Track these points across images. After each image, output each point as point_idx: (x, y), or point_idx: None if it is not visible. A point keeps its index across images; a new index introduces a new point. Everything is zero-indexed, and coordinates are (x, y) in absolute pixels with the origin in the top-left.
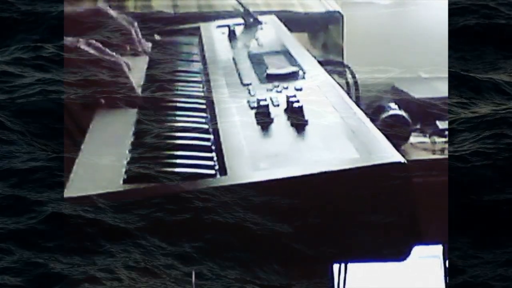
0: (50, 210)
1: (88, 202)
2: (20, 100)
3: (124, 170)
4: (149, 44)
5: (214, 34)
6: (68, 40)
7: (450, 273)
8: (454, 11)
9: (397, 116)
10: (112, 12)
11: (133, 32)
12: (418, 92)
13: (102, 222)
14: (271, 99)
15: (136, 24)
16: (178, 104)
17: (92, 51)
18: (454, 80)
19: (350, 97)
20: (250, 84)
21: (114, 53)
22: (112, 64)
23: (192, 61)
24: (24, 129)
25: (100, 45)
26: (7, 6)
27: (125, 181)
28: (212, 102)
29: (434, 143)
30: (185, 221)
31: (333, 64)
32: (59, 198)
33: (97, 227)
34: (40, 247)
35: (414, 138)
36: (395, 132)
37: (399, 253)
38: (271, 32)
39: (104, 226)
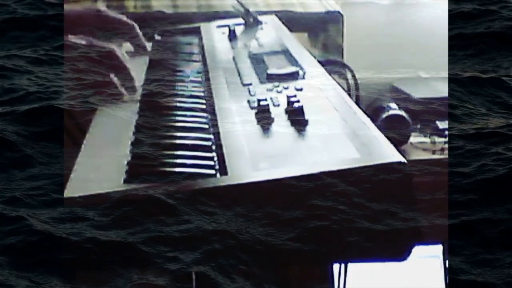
0: (46, 228)
1: (88, 202)
2: (18, 102)
3: (124, 170)
4: (149, 44)
5: (214, 34)
6: (69, 36)
7: (450, 273)
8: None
9: (397, 116)
10: (112, 13)
11: (135, 29)
12: (418, 92)
13: (99, 236)
14: (271, 99)
15: (135, 24)
16: (178, 104)
17: (82, 42)
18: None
19: (350, 97)
20: (250, 84)
21: (104, 43)
22: (106, 52)
23: (192, 61)
24: (23, 131)
25: (89, 38)
26: (4, 8)
27: (125, 181)
28: (212, 102)
29: (434, 143)
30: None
31: (333, 64)
32: (55, 214)
33: (94, 243)
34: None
35: (414, 138)
36: (395, 132)
37: (399, 253)
38: (271, 32)
39: (101, 240)
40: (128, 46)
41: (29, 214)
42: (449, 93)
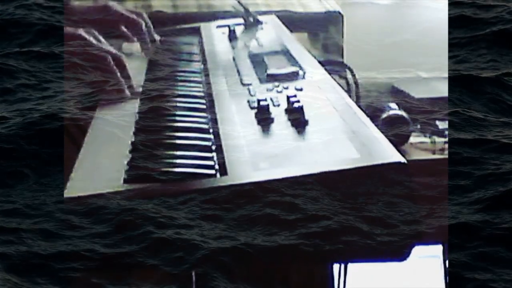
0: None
1: (88, 202)
2: (17, 103)
3: (124, 170)
4: (157, 37)
5: (214, 34)
6: (69, 29)
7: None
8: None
9: (397, 116)
10: (119, 7)
11: (142, 23)
12: (418, 92)
13: (97, 245)
14: (271, 99)
15: (145, 15)
16: (178, 104)
17: (92, 39)
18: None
19: (350, 97)
20: (250, 84)
21: (111, 48)
22: (111, 55)
23: (192, 61)
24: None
25: (100, 36)
26: (3, 10)
27: (125, 181)
28: (212, 102)
29: (434, 143)
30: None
31: (333, 64)
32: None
33: (93, 251)
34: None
35: (414, 138)
36: (395, 132)
37: (399, 253)
38: (271, 32)
39: (99, 247)
40: (128, 45)
41: (26, 225)
42: (448, 95)
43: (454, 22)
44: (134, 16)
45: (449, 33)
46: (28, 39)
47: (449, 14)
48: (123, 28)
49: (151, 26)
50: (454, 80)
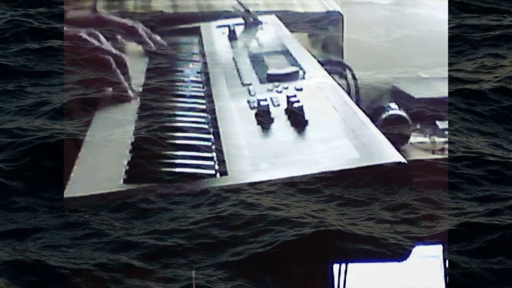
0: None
1: (88, 202)
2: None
3: (124, 170)
4: (157, 37)
5: (214, 34)
6: (70, 30)
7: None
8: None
9: (397, 116)
10: (114, 17)
11: (140, 30)
12: (418, 92)
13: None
14: (271, 99)
15: (140, 24)
16: (178, 104)
17: (93, 41)
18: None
19: (350, 97)
20: (250, 84)
21: (113, 49)
22: (112, 56)
23: (192, 61)
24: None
25: (102, 37)
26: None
27: (125, 181)
28: (212, 102)
29: (434, 143)
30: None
31: (333, 64)
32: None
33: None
34: None
35: (414, 138)
36: (395, 132)
37: (399, 253)
38: (271, 32)
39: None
40: (129, 46)
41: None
42: (449, 99)
43: (455, 26)
44: (130, 22)
45: (452, 37)
46: (26, 40)
47: (449, 18)
48: (120, 35)
49: (145, 29)
50: (453, 84)
